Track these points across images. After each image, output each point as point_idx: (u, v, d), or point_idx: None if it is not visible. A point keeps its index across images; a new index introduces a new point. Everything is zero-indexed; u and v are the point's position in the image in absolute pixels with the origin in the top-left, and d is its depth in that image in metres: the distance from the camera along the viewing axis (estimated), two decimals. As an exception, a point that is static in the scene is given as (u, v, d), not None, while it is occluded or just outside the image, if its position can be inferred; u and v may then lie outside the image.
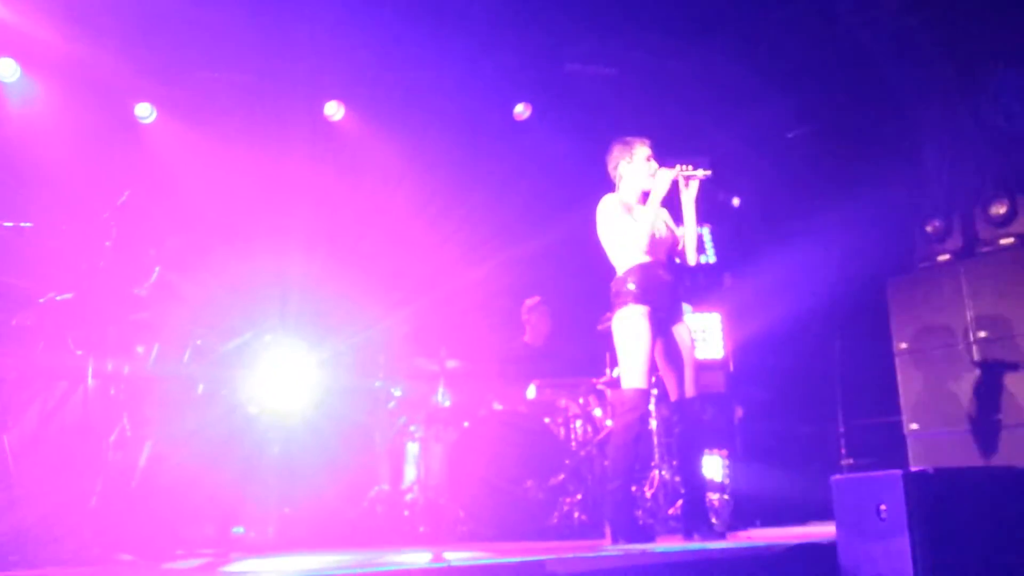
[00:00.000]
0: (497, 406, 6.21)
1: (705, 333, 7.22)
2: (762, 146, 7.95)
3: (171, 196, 6.53)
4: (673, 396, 4.69)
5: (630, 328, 4.49)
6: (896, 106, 7.09)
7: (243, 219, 6.84)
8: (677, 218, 4.85)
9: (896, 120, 7.15)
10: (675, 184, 4.71)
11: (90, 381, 4.24)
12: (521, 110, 7.61)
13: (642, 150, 4.76)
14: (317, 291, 6.72)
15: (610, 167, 4.84)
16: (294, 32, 6.60)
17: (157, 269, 4.87)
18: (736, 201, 7.84)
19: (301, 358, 6.00)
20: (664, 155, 4.82)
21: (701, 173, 4.69)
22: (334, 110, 7.42)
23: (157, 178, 6.63)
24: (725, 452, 6.70)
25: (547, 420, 6.13)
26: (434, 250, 7.20)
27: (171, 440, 4.58)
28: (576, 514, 5.71)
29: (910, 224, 6.90)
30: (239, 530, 5.38)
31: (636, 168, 4.74)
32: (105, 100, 6.77)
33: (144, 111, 7.03)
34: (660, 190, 4.61)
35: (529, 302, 6.88)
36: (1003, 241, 6.28)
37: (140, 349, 4.61)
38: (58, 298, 4.42)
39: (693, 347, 4.71)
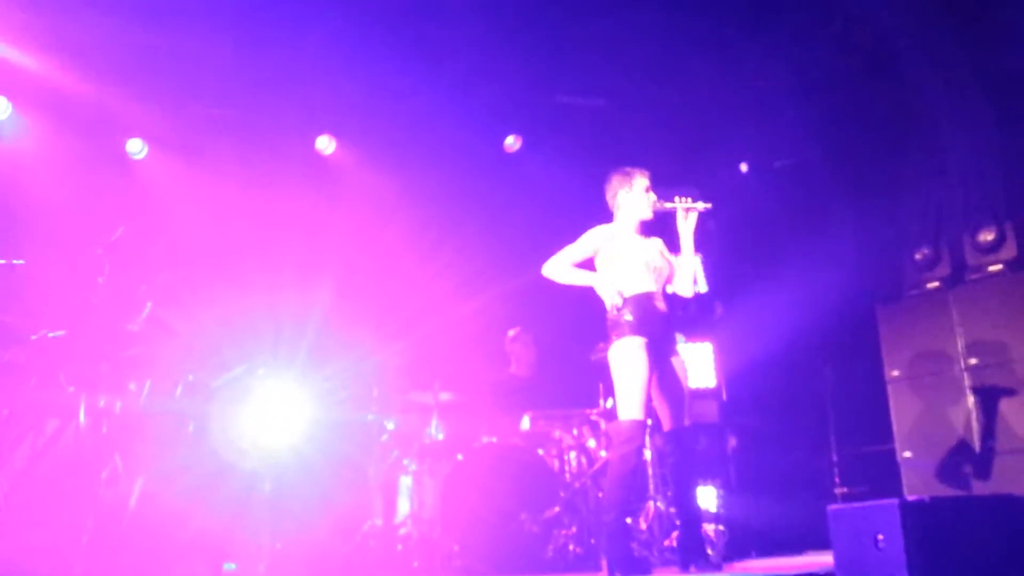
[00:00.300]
0: (491, 438, 6.17)
1: (697, 362, 7.23)
2: (752, 175, 8.00)
3: (163, 232, 6.52)
4: (667, 426, 4.67)
5: (627, 359, 4.48)
6: (891, 129, 7.14)
7: (235, 253, 6.83)
8: (671, 247, 4.87)
9: (891, 146, 7.20)
10: (672, 215, 4.74)
11: (82, 418, 4.21)
12: (511, 142, 7.64)
13: (641, 181, 4.78)
14: (309, 325, 6.70)
15: (608, 196, 4.85)
16: (285, 66, 6.63)
17: (149, 305, 4.86)
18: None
19: (293, 392, 5.97)
20: (654, 185, 4.84)
21: (701, 206, 4.71)
22: (326, 144, 7.44)
23: (148, 214, 6.63)
24: (719, 482, 6.68)
25: (541, 452, 6.09)
26: (427, 282, 7.19)
27: (162, 477, 4.55)
28: (571, 547, 5.66)
29: (899, 252, 6.94)
30: (231, 567, 5.33)
31: (635, 198, 4.76)
32: (96, 136, 6.78)
33: (135, 147, 7.03)
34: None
35: (511, 332, 6.85)
36: (992, 268, 6.30)
37: (132, 386, 4.59)
38: (50, 335, 4.42)
39: (687, 377, 4.72)
